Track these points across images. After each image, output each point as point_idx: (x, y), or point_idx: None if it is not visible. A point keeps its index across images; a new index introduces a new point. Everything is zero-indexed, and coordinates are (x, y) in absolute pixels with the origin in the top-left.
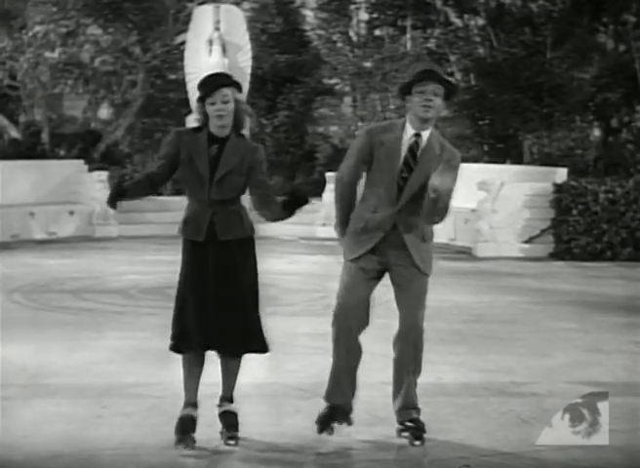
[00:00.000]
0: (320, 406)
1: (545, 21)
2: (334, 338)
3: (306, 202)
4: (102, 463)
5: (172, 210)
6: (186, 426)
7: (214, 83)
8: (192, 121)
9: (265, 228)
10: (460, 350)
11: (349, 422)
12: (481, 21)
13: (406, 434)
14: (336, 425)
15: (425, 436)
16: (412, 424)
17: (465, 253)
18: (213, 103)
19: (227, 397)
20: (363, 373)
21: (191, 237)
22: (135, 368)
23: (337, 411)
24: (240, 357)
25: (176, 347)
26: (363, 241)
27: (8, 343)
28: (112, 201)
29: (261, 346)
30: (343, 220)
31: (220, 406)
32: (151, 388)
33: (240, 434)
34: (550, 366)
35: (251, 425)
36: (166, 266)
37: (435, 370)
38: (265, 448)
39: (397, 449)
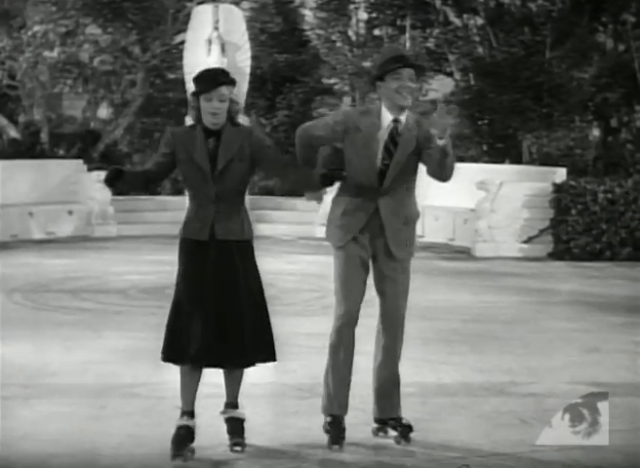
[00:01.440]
0: (315, 405)
1: (545, 21)
2: (337, 350)
3: (341, 178)
4: (101, 463)
5: (171, 209)
6: (183, 437)
7: (213, 80)
8: (190, 120)
9: (264, 228)
10: (460, 350)
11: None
12: (480, 21)
13: (394, 433)
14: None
15: (424, 436)
16: (399, 423)
17: (464, 253)
18: (209, 100)
19: (232, 403)
20: (360, 374)
21: (194, 236)
22: (133, 368)
23: (341, 421)
24: (246, 368)
25: (169, 358)
26: (346, 225)
27: (7, 343)
28: (109, 180)
29: (269, 356)
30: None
31: (224, 412)
32: (150, 388)
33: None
34: (550, 366)
35: (250, 425)
36: (165, 266)
37: (435, 370)
38: (264, 447)
39: (396, 449)
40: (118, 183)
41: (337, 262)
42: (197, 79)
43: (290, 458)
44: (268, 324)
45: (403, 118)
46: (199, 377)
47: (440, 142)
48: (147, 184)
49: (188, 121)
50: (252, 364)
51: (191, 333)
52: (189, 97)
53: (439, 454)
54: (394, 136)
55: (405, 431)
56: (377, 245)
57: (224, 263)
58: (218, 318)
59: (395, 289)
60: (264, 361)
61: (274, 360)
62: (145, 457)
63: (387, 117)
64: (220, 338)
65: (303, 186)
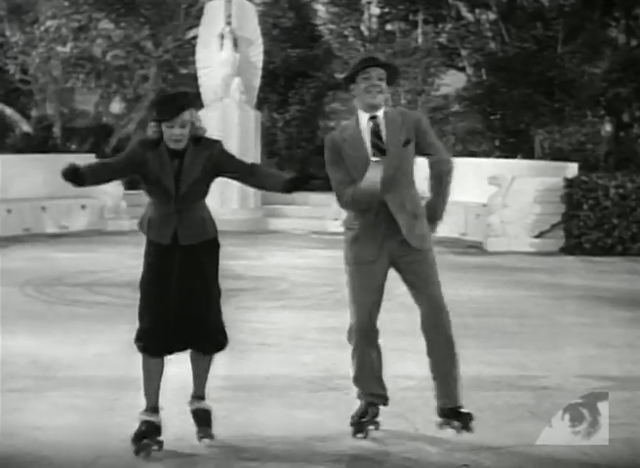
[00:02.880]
0: (327, 398)
1: (557, 16)
2: (358, 349)
3: (309, 181)
4: (115, 454)
5: None
6: (145, 433)
7: (174, 107)
8: (204, 115)
9: (276, 223)
10: (471, 344)
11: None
12: (492, 16)
13: (455, 423)
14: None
15: (435, 429)
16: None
17: (476, 248)
18: (171, 127)
19: (199, 395)
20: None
21: (156, 239)
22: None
23: (373, 413)
24: (210, 355)
25: (143, 348)
26: (364, 244)
27: (20, 336)
28: (68, 177)
29: (221, 342)
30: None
31: (191, 403)
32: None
33: (245, 428)
34: (560, 360)
35: (262, 417)
36: None
37: None
38: (276, 439)
39: (408, 442)
40: (78, 180)
41: (351, 273)
42: (157, 105)
43: (301, 451)
44: (218, 312)
45: (380, 113)
46: (161, 374)
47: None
48: (111, 178)
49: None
50: (211, 351)
51: (155, 326)
52: (151, 122)
53: (450, 447)
54: (377, 132)
55: (465, 420)
56: (395, 247)
57: (189, 265)
58: (181, 307)
59: (426, 277)
60: (221, 347)
61: (223, 347)
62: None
63: (364, 117)
64: (182, 325)
65: (271, 186)
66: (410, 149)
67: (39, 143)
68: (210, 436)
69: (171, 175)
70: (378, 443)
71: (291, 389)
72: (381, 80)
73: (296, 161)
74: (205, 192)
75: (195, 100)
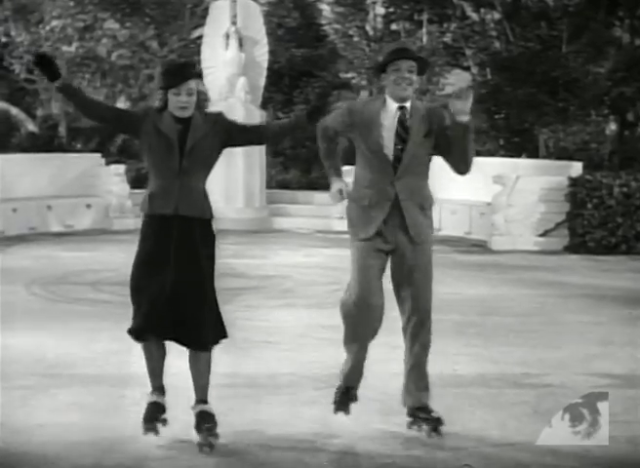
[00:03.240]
0: (332, 396)
1: (561, 16)
2: (351, 322)
3: (322, 108)
4: (121, 450)
5: None
6: (153, 412)
7: (181, 74)
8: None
9: (281, 221)
10: (475, 342)
11: (356, 399)
12: (497, 16)
13: (424, 426)
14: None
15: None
16: (430, 416)
17: (481, 247)
18: (177, 94)
19: (201, 399)
20: (375, 364)
21: (159, 210)
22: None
23: (354, 391)
24: (207, 350)
25: (137, 334)
26: (372, 217)
27: (26, 334)
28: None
29: (222, 334)
30: (333, 165)
31: (194, 407)
32: (168, 378)
33: (249, 424)
34: (563, 358)
35: (267, 415)
36: None
37: (450, 362)
38: (281, 437)
39: (411, 439)
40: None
41: (356, 254)
42: (165, 73)
43: (305, 448)
44: (215, 304)
45: (407, 105)
46: (164, 354)
47: (464, 119)
48: (88, 111)
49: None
50: (208, 346)
51: (149, 311)
52: (157, 90)
53: (453, 444)
54: (404, 122)
55: (435, 424)
56: (398, 234)
57: (187, 238)
58: (176, 294)
59: (419, 275)
60: (217, 340)
61: (225, 336)
62: (165, 445)
63: (392, 105)
64: (177, 313)
65: (291, 130)
66: (429, 142)
67: (44, 143)
68: (210, 445)
69: (175, 137)
70: (380, 438)
71: (295, 387)
72: (411, 72)
73: (301, 160)
74: (208, 160)
75: (200, 73)
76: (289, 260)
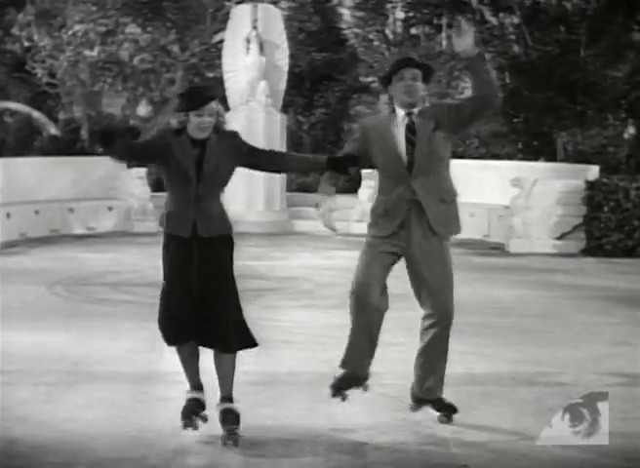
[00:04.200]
0: (350, 393)
1: (580, 20)
2: (352, 311)
3: (346, 169)
4: (144, 445)
5: None
6: (192, 408)
7: (204, 97)
8: (230, 119)
9: (301, 224)
10: (491, 342)
11: (365, 388)
12: (516, 20)
13: (436, 413)
14: (349, 392)
15: (453, 421)
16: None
17: (499, 249)
18: (200, 116)
19: (226, 397)
20: (391, 362)
21: (176, 232)
22: (174, 356)
23: (351, 378)
24: (232, 353)
25: (170, 340)
26: (391, 219)
27: (49, 333)
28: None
29: (246, 341)
30: None
31: (219, 405)
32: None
33: (268, 419)
34: (578, 357)
35: (287, 411)
36: None
37: (466, 361)
38: (300, 430)
39: (425, 434)
40: (109, 141)
41: (364, 250)
42: (187, 96)
43: (324, 442)
44: (240, 311)
45: (416, 110)
46: (197, 354)
47: (473, 52)
48: (136, 156)
49: (228, 119)
50: (231, 348)
51: (180, 320)
52: (177, 113)
53: (466, 439)
54: (411, 127)
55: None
56: (416, 234)
57: (209, 257)
58: (201, 306)
59: (439, 269)
60: (242, 346)
61: (253, 345)
62: (187, 440)
63: (401, 112)
64: (204, 319)
65: (306, 169)
66: (440, 135)
67: (66, 146)
68: (234, 441)
69: (192, 161)
70: (393, 432)
71: (314, 384)
72: (416, 80)
73: None
74: (224, 182)
75: (219, 92)
76: (308, 262)
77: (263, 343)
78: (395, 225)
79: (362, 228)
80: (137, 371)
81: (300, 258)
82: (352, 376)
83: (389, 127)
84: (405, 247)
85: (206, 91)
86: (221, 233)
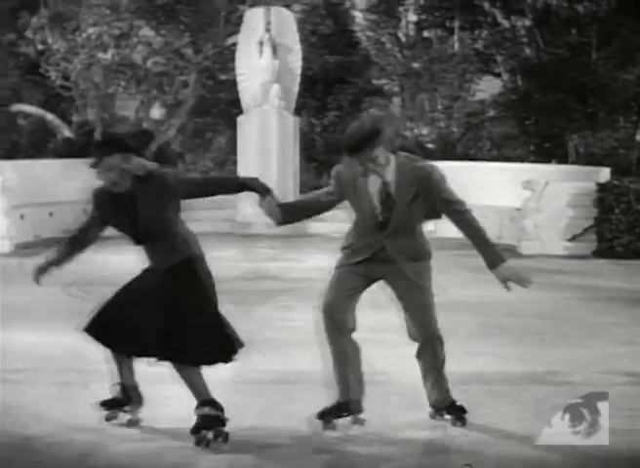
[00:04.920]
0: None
1: (591, 22)
2: (328, 339)
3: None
4: (159, 441)
5: (224, 207)
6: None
7: (97, 153)
8: (243, 121)
9: (315, 226)
10: (501, 342)
11: (361, 422)
12: (528, 22)
13: (448, 417)
14: (339, 421)
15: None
16: (453, 407)
17: (510, 251)
18: (99, 173)
19: (201, 401)
20: (400, 361)
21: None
22: None
23: (343, 407)
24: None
25: (93, 332)
26: (352, 256)
27: (65, 333)
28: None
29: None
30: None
31: (197, 409)
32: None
33: (280, 417)
34: (586, 357)
35: (298, 410)
36: (219, 262)
37: (476, 361)
38: (312, 430)
39: (435, 432)
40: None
41: (332, 275)
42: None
43: (334, 440)
44: (215, 325)
45: (390, 173)
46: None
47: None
48: (79, 248)
49: (240, 122)
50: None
51: (126, 323)
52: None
53: (475, 437)
54: (387, 191)
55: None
56: (385, 271)
57: (167, 287)
58: (158, 317)
59: (415, 300)
60: (215, 361)
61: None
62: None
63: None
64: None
65: (224, 190)
66: (415, 206)
67: (80, 148)
68: (205, 442)
69: (127, 219)
70: (406, 433)
71: (324, 384)
72: (370, 154)
73: (334, 165)
74: (167, 221)
75: (125, 146)
76: (322, 264)
77: (276, 343)
78: (363, 257)
79: None
80: (150, 370)
81: (314, 260)
82: (347, 406)
83: (364, 184)
84: (375, 275)
85: (101, 146)
86: (178, 261)
